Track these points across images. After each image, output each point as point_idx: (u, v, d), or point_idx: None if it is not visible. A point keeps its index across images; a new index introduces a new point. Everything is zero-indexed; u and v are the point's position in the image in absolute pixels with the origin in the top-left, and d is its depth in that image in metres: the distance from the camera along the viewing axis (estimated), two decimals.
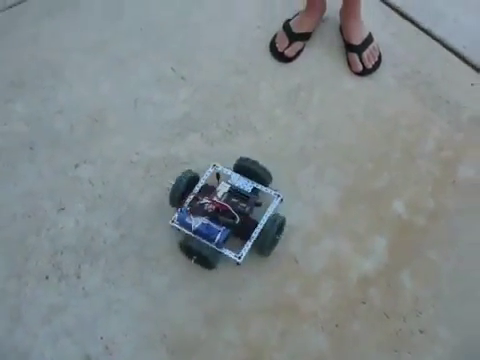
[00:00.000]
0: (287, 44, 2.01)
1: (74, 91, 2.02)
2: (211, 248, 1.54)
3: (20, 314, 1.59)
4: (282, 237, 1.63)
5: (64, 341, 1.55)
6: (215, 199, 1.57)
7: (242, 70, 2.02)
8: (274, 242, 1.60)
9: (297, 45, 2.02)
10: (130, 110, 1.96)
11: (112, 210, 1.75)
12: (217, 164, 1.70)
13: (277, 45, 2.03)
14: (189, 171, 1.68)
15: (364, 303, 1.57)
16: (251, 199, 1.59)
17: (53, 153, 1.88)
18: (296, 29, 2.01)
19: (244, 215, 1.57)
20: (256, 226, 1.58)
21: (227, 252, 1.56)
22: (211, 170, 1.70)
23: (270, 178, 1.69)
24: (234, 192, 1.61)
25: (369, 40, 1.97)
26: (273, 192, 1.66)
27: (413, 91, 1.94)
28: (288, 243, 1.65)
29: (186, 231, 1.57)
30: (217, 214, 1.56)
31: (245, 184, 1.64)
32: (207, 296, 1.58)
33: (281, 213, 1.62)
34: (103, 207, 1.76)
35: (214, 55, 2.06)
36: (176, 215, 1.60)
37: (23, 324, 1.57)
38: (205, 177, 1.69)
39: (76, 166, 1.85)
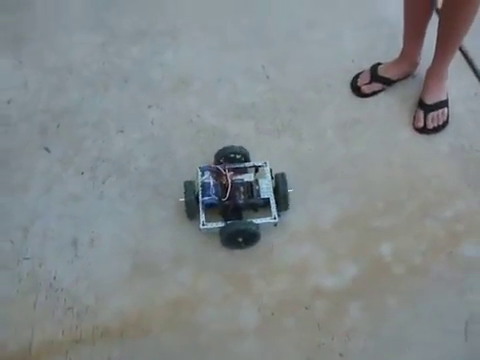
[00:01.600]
0: (367, 81, 2.23)
1: (180, 54, 2.45)
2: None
3: (48, 188, 2.01)
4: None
5: (65, 221, 1.94)
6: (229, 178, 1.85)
7: (319, 89, 2.28)
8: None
9: (376, 86, 2.22)
10: (213, 84, 2.33)
11: (155, 148, 2.12)
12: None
13: (358, 79, 2.25)
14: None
15: (306, 308, 1.72)
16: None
17: (139, 90, 2.32)
18: (381, 72, 2.22)
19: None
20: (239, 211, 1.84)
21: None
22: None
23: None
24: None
25: (442, 105, 2.11)
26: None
27: (461, 164, 2.02)
28: (272, 234, 1.86)
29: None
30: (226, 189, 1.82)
31: (249, 176, 1.90)
32: (185, 243, 1.86)
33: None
34: (150, 143, 2.14)
35: (303, 69, 2.36)
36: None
37: (45, 197, 1.98)
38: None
39: (149, 106, 2.27)
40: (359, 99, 2.23)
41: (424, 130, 2.08)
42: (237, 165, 1.93)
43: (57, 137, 2.17)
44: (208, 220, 1.82)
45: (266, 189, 1.86)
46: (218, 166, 1.88)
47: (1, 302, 1.76)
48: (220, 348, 1.63)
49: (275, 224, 1.82)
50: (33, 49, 2.48)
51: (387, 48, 2.33)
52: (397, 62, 2.20)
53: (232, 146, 1.95)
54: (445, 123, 2.09)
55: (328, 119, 2.16)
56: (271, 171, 1.91)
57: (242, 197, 1.83)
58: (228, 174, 1.85)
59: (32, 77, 2.39)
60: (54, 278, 1.79)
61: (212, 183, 1.83)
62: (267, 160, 1.95)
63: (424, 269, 1.77)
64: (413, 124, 2.11)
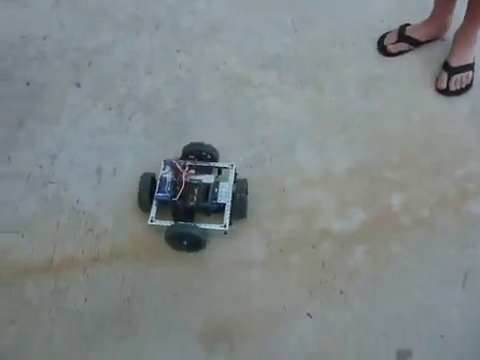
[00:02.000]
0: (394, 41, 2.27)
1: (212, 3, 2.53)
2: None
3: (77, 120, 2.13)
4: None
5: (91, 151, 2.06)
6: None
7: (345, 45, 2.34)
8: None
9: (402, 46, 2.27)
10: (241, 33, 2.40)
11: (181, 90, 2.22)
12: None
13: (385, 38, 2.30)
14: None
15: (313, 247, 1.81)
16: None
17: (169, 35, 2.41)
18: (409, 32, 2.26)
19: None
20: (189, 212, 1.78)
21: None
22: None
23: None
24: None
25: (467, 68, 2.14)
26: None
27: (479, 126, 2.07)
28: (287, 175, 1.95)
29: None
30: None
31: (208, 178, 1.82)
32: None
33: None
34: (176, 85, 2.24)
35: (331, 26, 2.41)
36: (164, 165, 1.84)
37: (74, 128, 2.12)
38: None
39: (178, 51, 2.36)
40: (384, 58, 2.27)
41: (446, 92, 2.12)
42: (201, 164, 1.84)
43: (88, 74, 2.28)
44: (162, 216, 1.78)
45: (224, 194, 1.77)
46: (178, 162, 1.83)
47: (28, 220, 1.89)
48: (227, 277, 1.74)
49: (225, 232, 1.73)
50: None
51: (418, 10, 2.35)
52: (426, 23, 2.23)
53: (202, 143, 1.86)
54: (468, 86, 2.13)
55: (351, 74, 2.22)
56: (235, 175, 1.84)
57: (194, 199, 1.75)
58: (184, 172, 1.79)
59: (68, 17, 2.49)
60: (77, 201, 1.92)
61: (169, 179, 1.79)
62: (234, 162, 1.88)
63: (430, 222, 1.84)
64: (435, 85, 2.15)
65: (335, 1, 2.46)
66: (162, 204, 1.79)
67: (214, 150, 1.89)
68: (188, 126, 2.08)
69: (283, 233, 1.82)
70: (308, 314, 1.66)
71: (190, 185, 1.79)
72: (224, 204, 1.76)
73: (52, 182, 1.96)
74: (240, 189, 1.79)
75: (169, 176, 1.81)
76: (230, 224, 1.75)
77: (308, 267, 1.76)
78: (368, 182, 1.91)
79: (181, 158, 1.88)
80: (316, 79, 2.20)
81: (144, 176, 1.82)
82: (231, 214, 1.76)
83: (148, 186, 1.80)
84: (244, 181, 1.83)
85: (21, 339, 1.65)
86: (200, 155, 1.87)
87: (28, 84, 2.25)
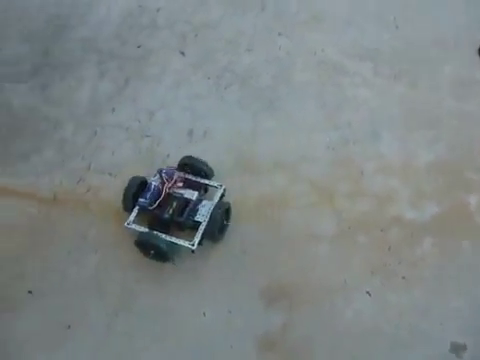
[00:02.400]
0: None
1: None
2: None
3: (177, 84, 2.33)
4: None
5: (186, 113, 2.25)
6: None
7: (444, 46, 2.38)
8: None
9: None
10: (343, 24, 2.52)
11: (276, 68, 2.39)
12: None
13: None
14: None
15: (381, 231, 1.88)
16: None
17: (273, 19, 2.57)
18: None
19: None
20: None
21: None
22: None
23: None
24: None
25: None
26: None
27: None
28: (367, 160, 2.03)
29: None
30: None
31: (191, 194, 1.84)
32: (285, 152, 2.12)
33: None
34: (274, 65, 2.40)
35: (433, 27, 2.45)
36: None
37: (173, 91, 2.34)
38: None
39: (279, 34, 2.51)
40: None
41: None
42: (191, 178, 1.88)
43: (193, 45, 2.47)
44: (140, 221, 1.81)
45: (204, 212, 1.79)
46: (166, 172, 1.85)
47: (121, 165, 2.09)
48: (296, 246, 1.85)
49: (192, 251, 1.75)
50: None
51: None
52: None
53: (199, 159, 1.91)
54: None
55: (447, 75, 2.25)
56: (221, 196, 1.86)
57: (170, 212, 1.78)
58: (167, 184, 1.82)
59: None
60: (167, 156, 2.10)
61: (154, 187, 1.82)
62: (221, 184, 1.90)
63: None
64: None
65: (439, 3, 2.49)
66: (142, 210, 1.82)
67: (209, 168, 1.90)
68: (279, 102, 2.20)
69: (355, 213, 1.89)
70: (367, 292, 1.73)
71: (171, 197, 1.80)
72: (200, 223, 1.75)
73: (148, 136, 2.15)
74: (217, 212, 1.76)
75: (156, 184, 1.83)
76: (200, 244, 1.74)
77: (374, 248, 1.82)
78: (447, 179, 1.95)
79: (175, 168, 1.89)
80: (410, 75, 2.25)
81: (133, 179, 1.85)
82: (203, 235, 1.75)
83: (134, 189, 1.83)
84: (226, 204, 1.81)
85: (101, 268, 1.83)
86: (194, 170, 1.88)
87: (139, 47, 2.46)
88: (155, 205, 1.77)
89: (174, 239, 1.73)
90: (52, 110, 2.27)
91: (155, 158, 2.10)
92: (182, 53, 2.42)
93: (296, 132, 2.11)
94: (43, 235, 1.91)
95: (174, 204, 1.78)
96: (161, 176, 1.82)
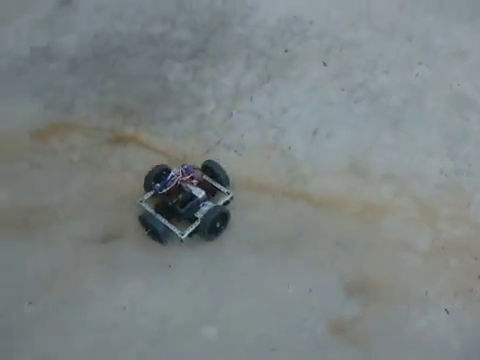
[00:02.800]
0: None
1: (466, 32, 2.76)
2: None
3: (313, 89, 2.57)
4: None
5: (315, 114, 2.46)
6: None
7: None
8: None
9: None
10: None
11: (408, 93, 2.52)
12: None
13: None
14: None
15: (475, 259, 1.97)
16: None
17: (417, 49, 2.72)
18: None
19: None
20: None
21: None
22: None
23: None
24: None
25: None
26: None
27: None
28: (477, 192, 2.12)
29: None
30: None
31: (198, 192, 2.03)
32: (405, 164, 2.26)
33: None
34: (407, 89, 2.54)
35: None
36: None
37: (309, 93, 2.57)
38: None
39: (419, 63, 2.65)
40: None
41: None
42: (206, 178, 2.09)
43: (335, 58, 2.70)
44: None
45: (204, 211, 1.96)
46: (187, 169, 2.07)
47: (248, 146, 2.36)
48: (388, 250, 1.98)
49: (181, 240, 1.93)
50: None
51: None
52: None
53: (218, 164, 2.12)
54: None
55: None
56: (226, 203, 2.04)
57: (174, 201, 1.97)
58: (182, 176, 2.04)
59: (335, 5, 2.94)
60: (289, 148, 2.33)
61: (171, 177, 2.03)
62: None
63: None
64: None
65: None
66: (155, 193, 2.05)
67: (225, 176, 2.11)
68: (404, 123, 2.35)
69: (452, 236, 1.99)
70: (445, 309, 1.82)
71: (180, 189, 2.02)
72: (196, 218, 1.94)
73: (275, 127, 2.40)
74: (212, 214, 1.94)
75: (173, 175, 2.05)
76: (190, 236, 1.93)
77: (463, 273, 1.90)
78: None
79: (197, 168, 2.11)
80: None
81: (158, 166, 2.10)
82: (196, 230, 1.94)
83: (155, 174, 2.08)
84: (224, 210, 1.99)
85: None
86: (213, 174, 2.10)
87: (286, 51, 2.74)
88: (164, 191, 2.01)
89: (169, 225, 1.94)
90: (199, 89, 2.60)
91: (278, 146, 2.34)
92: (324, 63, 2.66)
93: (413, 152, 2.24)
94: None
95: (180, 196, 2.00)
96: (181, 170, 2.05)
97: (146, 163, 2.29)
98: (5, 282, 1.99)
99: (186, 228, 1.97)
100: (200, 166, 2.13)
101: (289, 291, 1.89)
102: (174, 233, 1.96)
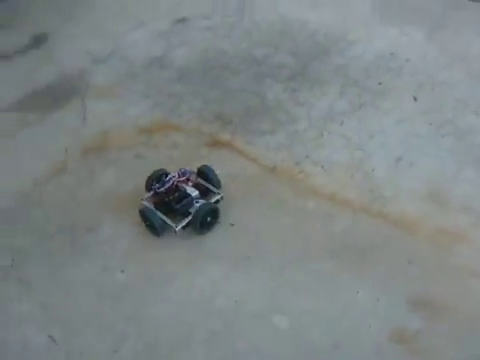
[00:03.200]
0: None
1: None
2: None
3: (401, 121, 2.73)
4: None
5: (402, 144, 2.62)
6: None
7: None
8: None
9: None
10: None
11: None
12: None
13: None
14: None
15: None
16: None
17: None
18: None
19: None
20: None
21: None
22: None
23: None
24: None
25: None
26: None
27: None
28: None
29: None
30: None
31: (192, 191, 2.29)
32: None
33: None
34: None
35: None
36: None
37: (397, 124, 2.73)
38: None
39: None
40: None
41: None
42: (200, 181, 2.36)
43: (427, 95, 2.88)
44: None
45: (197, 208, 2.21)
46: (183, 172, 2.33)
47: (335, 163, 2.55)
48: (459, 276, 2.08)
49: (175, 231, 2.19)
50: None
51: None
52: None
53: (211, 169, 2.39)
54: None
55: None
56: (217, 201, 2.29)
57: (171, 198, 2.24)
58: (178, 178, 2.30)
59: (432, 46, 3.12)
60: (372, 170, 2.51)
61: (169, 178, 2.29)
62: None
63: None
64: None
65: None
66: (154, 193, 2.30)
67: (217, 179, 2.36)
68: None
69: None
70: None
71: (177, 189, 2.26)
72: (190, 213, 2.20)
73: (362, 150, 2.59)
74: (203, 210, 2.20)
75: (171, 177, 2.32)
76: (183, 228, 2.20)
77: None
78: None
79: (194, 172, 2.36)
80: None
81: (157, 170, 2.35)
82: (188, 223, 2.21)
83: (155, 176, 2.33)
84: (214, 206, 2.25)
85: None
86: (207, 177, 2.36)
87: (380, 84, 2.94)
88: (162, 189, 2.29)
89: (165, 218, 2.22)
90: (294, 108, 2.84)
91: (360, 166, 2.52)
92: (415, 98, 2.83)
93: None
94: (256, 188, 2.45)
95: (176, 194, 2.28)
96: (178, 173, 2.32)
97: (238, 167, 2.54)
98: (103, 253, 2.26)
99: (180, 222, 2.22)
100: (196, 170, 2.40)
101: (358, 297, 2.03)
102: (169, 226, 2.22)
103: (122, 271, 2.19)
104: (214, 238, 2.26)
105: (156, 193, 2.31)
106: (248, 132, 2.74)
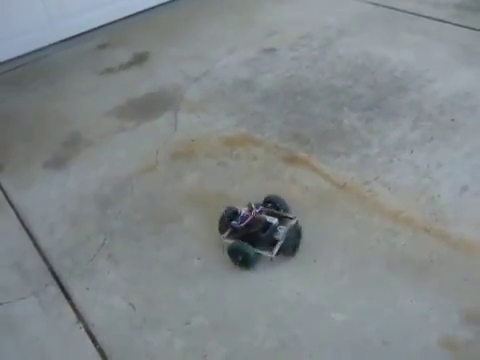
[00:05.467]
0: None
1: None
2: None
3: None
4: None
5: (467, 173, 2.84)
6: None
7: None
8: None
9: None
10: None
11: None
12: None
13: None
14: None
15: None
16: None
17: None
18: None
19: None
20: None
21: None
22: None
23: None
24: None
25: None
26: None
27: None
28: None
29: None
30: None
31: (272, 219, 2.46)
32: None
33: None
34: None
35: None
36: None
37: (466, 158, 2.93)
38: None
39: None
40: None
41: None
42: (272, 210, 2.51)
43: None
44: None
45: (282, 233, 2.39)
46: (255, 205, 2.47)
47: (401, 187, 2.79)
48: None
49: (271, 259, 2.36)
50: None
51: None
52: None
53: (279, 197, 2.57)
54: None
55: None
56: (296, 223, 2.45)
57: (256, 229, 2.39)
58: (255, 209, 2.44)
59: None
60: (438, 195, 2.72)
61: (243, 213, 2.45)
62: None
63: None
64: None
65: None
66: (234, 230, 2.44)
67: (286, 205, 2.55)
68: None
69: None
70: None
71: (256, 220, 2.41)
72: (278, 240, 2.36)
73: (429, 177, 2.82)
74: (293, 234, 2.39)
75: (244, 212, 2.45)
76: (277, 254, 2.34)
77: None
78: None
79: (261, 204, 2.51)
80: None
81: (228, 209, 2.49)
82: (280, 249, 2.35)
83: (228, 215, 2.47)
84: (299, 228, 2.44)
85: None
86: (275, 205, 2.53)
87: (452, 120, 3.18)
88: (243, 224, 2.44)
89: (258, 249, 2.38)
90: (368, 135, 3.12)
91: (427, 193, 2.75)
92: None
93: None
94: (326, 201, 2.73)
95: (259, 225, 2.44)
96: (250, 207, 2.48)
97: (311, 181, 2.84)
98: (183, 242, 2.62)
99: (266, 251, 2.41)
100: (262, 201, 2.59)
101: (412, 304, 2.24)
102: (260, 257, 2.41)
103: (199, 258, 2.50)
104: None
105: (235, 230, 2.51)
106: (323, 152, 3.04)
